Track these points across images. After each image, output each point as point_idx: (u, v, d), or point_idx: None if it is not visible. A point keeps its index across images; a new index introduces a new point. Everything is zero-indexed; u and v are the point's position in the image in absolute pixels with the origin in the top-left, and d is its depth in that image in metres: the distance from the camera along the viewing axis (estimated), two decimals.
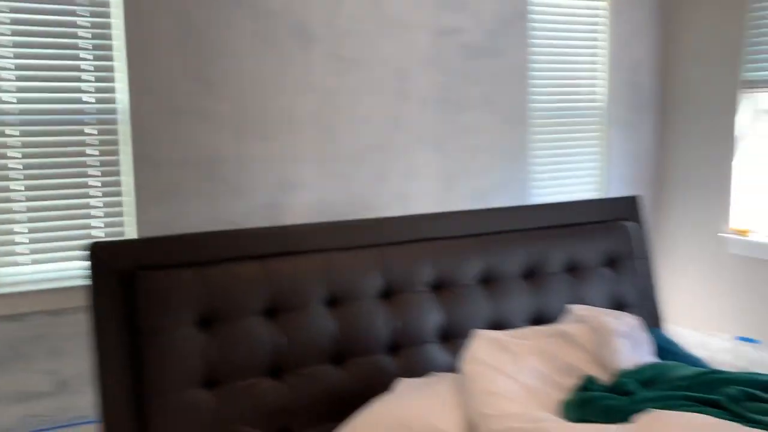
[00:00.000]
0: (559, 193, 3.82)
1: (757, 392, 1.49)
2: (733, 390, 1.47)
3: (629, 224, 2.74)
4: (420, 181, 3.35)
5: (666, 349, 2.42)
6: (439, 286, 2.29)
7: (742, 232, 3.75)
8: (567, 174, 3.85)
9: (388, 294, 2.20)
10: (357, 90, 3.13)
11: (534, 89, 3.64)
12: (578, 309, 1.99)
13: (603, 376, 1.76)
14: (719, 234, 3.84)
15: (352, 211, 3.19)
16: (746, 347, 3.66)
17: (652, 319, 2.70)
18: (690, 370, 1.64)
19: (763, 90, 3.61)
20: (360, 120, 3.16)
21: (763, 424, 1.34)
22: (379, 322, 2.12)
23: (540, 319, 2.43)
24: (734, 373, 1.60)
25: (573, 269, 2.56)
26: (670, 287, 4.18)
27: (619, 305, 2.60)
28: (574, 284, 2.51)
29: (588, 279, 2.55)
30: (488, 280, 2.39)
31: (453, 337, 2.25)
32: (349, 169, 3.16)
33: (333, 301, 2.09)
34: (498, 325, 2.33)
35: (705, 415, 1.32)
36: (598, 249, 2.62)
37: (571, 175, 3.86)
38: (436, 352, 2.19)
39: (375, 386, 2.02)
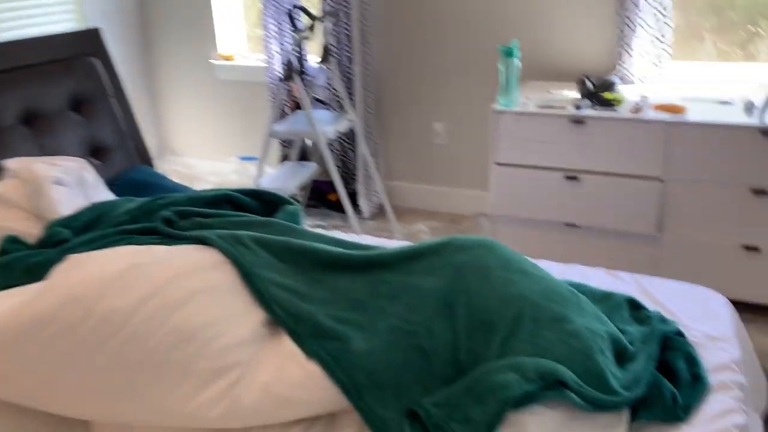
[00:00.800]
0: (31, 34, 3.30)
1: (193, 209, 1.56)
2: (167, 213, 1.51)
3: (95, 60, 2.52)
4: None
5: (153, 184, 2.41)
6: None
7: (228, 58, 3.90)
8: (34, 11, 3.32)
9: None
10: None
11: None
12: (10, 163, 1.75)
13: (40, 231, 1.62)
14: (210, 61, 3.93)
15: None
16: (248, 165, 3.99)
17: (139, 156, 2.64)
18: (136, 203, 1.61)
19: None
20: None
21: (188, 238, 1.41)
22: None
23: None
24: (175, 195, 1.64)
25: (33, 119, 2.25)
26: (174, 120, 4.21)
27: (97, 150, 2.44)
28: (35, 136, 2.23)
29: (54, 128, 2.29)
30: None
31: None
32: None
33: None
34: None
35: (128, 246, 1.31)
36: (61, 91, 2.35)
37: (41, 11, 3.35)
38: None
39: None
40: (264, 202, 1.75)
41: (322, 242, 1.52)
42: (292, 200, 1.72)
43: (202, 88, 4.03)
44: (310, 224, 3.44)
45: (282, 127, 2.79)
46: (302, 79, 3.39)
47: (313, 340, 1.23)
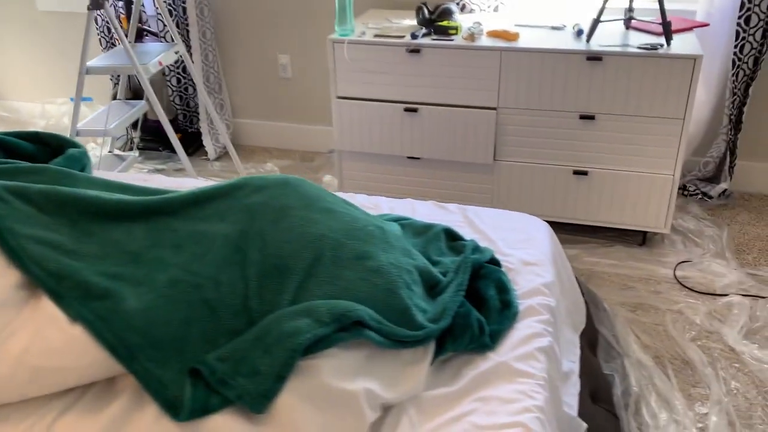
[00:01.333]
0: None
1: None
2: None
3: None
4: None
5: None
6: None
7: None
8: None
9: None
10: None
11: None
12: None
13: None
14: None
15: None
16: (83, 106, 3.63)
17: None
18: None
19: None
20: None
21: None
22: None
23: None
24: None
25: None
26: None
27: None
28: None
29: None
30: None
31: None
32: None
33: None
34: None
35: None
36: None
37: None
38: None
39: None
40: (49, 147, 1.55)
41: (105, 189, 1.36)
42: (78, 143, 1.53)
43: (21, 20, 3.57)
44: (149, 168, 3.19)
45: (97, 63, 2.51)
46: (128, 7, 3.08)
47: (77, 300, 1.09)
